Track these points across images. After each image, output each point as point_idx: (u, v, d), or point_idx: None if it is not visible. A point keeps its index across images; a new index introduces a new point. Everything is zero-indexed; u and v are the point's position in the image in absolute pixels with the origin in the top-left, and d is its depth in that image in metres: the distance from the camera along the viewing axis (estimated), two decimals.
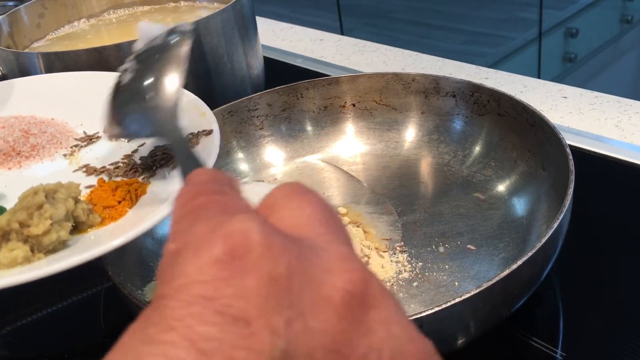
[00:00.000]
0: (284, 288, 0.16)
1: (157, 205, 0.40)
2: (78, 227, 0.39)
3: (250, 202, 0.20)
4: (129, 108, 0.40)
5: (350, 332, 0.17)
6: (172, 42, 0.41)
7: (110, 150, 0.48)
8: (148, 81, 0.40)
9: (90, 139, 0.50)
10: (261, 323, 0.16)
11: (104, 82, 0.54)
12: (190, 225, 0.18)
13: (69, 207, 0.38)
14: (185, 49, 0.40)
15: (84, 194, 0.43)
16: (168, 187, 0.42)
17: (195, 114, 0.47)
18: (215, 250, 0.17)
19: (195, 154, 0.33)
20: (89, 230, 0.40)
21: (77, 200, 0.39)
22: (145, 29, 0.43)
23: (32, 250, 0.36)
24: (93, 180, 0.45)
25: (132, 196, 0.42)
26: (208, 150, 0.43)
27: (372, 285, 0.17)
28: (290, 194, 0.20)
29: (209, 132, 0.45)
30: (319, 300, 0.17)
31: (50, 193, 0.38)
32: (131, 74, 0.41)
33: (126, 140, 0.48)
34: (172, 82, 0.39)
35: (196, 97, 0.49)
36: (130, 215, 0.40)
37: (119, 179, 0.44)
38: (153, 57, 0.41)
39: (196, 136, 0.45)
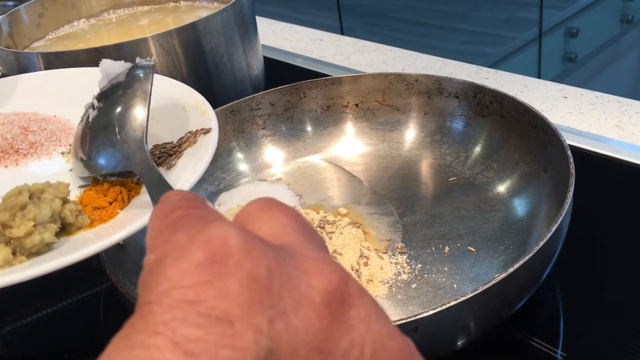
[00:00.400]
0: (265, 289, 0.17)
1: (148, 207, 0.39)
2: (66, 229, 0.38)
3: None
4: (97, 143, 0.41)
5: (331, 330, 0.17)
6: (135, 77, 0.42)
7: None
8: (115, 116, 0.41)
9: None
10: (244, 323, 0.16)
11: None
12: (169, 236, 0.19)
13: (55, 208, 0.37)
14: (149, 83, 0.41)
15: (77, 194, 0.42)
16: None
17: (196, 112, 0.47)
18: (196, 255, 0.17)
19: (166, 181, 0.34)
20: (77, 231, 0.39)
21: (65, 201, 0.38)
22: (108, 66, 0.44)
23: (14, 253, 0.35)
24: (87, 179, 0.44)
25: (124, 197, 0.41)
26: (204, 149, 0.42)
27: (351, 285, 0.18)
28: (264, 206, 0.21)
29: (208, 131, 0.44)
30: (300, 300, 0.17)
31: (36, 193, 0.37)
32: (97, 110, 0.42)
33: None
34: (138, 115, 0.40)
35: (199, 95, 0.48)
36: (120, 216, 0.40)
37: (114, 178, 0.43)
38: (117, 93, 0.42)
39: (194, 134, 0.45)
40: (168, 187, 0.33)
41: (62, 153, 0.48)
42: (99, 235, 0.38)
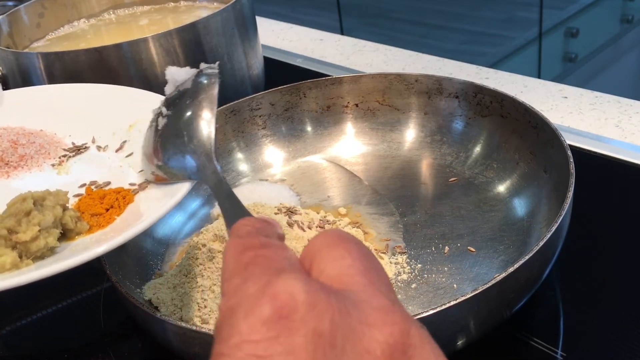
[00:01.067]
0: (329, 343, 0.18)
1: (144, 213, 0.40)
2: (66, 234, 0.40)
3: (293, 253, 0.22)
4: (169, 151, 0.41)
5: None
6: (201, 85, 0.42)
7: (98, 161, 0.48)
8: (184, 125, 0.40)
9: (78, 150, 0.50)
10: None
11: (92, 93, 0.55)
12: (241, 282, 0.20)
13: (57, 214, 0.38)
14: (215, 90, 0.41)
15: (72, 202, 0.43)
16: (155, 195, 0.42)
17: None
18: (264, 310, 0.18)
19: (236, 196, 0.33)
20: (76, 237, 0.40)
21: (65, 208, 0.40)
22: (174, 72, 0.44)
23: (20, 257, 0.37)
24: (82, 189, 0.45)
25: (120, 204, 0.42)
26: None
27: (412, 336, 0.19)
28: (331, 243, 0.22)
29: None
30: (362, 353, 0.18)
31: (38, 200, 0.39)
32: (166, 119, 0.42)
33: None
34: (206, 126, 0.40)
35: None
36: (117, 222, 0.41)
37: (107, 187, 0.44)
38: (185, 102, 0.42)
39: None
40: (237, 203, 0.32)
41: (53, 165, 0.48)
42: (99, 240, 0.39)
